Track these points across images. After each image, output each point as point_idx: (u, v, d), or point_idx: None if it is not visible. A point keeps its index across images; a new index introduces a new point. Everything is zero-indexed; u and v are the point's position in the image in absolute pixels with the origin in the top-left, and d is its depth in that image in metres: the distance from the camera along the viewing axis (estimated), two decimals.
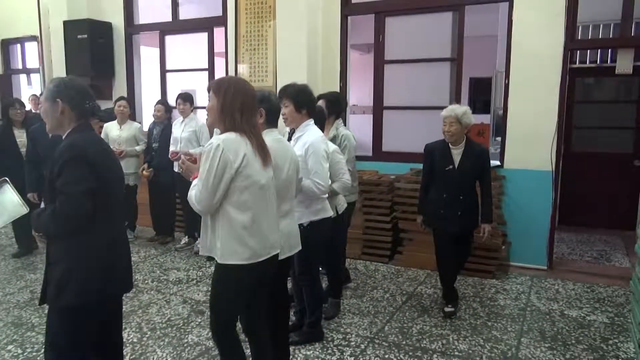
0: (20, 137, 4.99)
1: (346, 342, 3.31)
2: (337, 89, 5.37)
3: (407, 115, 5.39)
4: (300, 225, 2.79)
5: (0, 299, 4.02)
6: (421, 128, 5.06)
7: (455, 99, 4.96)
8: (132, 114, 6.77)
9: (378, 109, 5.47)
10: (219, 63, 6.22)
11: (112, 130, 5.49)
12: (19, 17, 7.56)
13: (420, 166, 4.17)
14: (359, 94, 7.86)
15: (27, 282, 4.39)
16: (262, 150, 2.21)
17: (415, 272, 4.66)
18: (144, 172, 5.37)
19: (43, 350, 2.30)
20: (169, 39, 6.67)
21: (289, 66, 5.29)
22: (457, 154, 3.57)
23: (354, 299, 4.04)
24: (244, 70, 5.79)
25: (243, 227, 2.13)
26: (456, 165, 3.56)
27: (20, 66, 8.12)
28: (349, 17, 5.49)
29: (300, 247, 2.71)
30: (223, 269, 2.19)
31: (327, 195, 3.06)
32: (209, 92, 2.23)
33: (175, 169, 4.93)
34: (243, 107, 2.16)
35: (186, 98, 5.16)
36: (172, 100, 5.68)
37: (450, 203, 3.58)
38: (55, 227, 2.01)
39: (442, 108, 3.65)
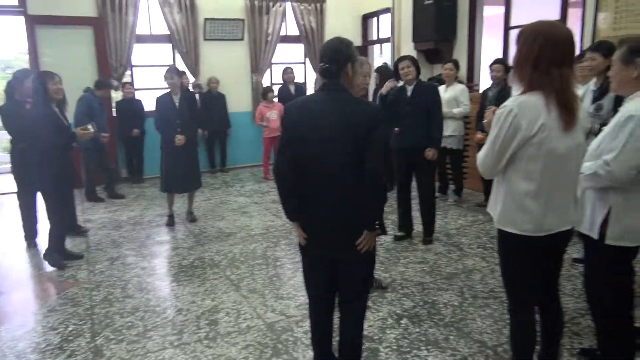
0: None
1: None
2: None
3: None
4: None
5: None
6: None
7: None
8: (471, 77, 6.72)
9: None
10: (574, 14, 5.39)
11: (440, 93, 5.54)
12: None
13: None
14: None
15: None
16: (566, 112, 1.82)
17: None
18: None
19: None
20: None
21: None
22: None
23: None
24: (605, 17, 4.83)
25: (525, 196, 1.93)
26: None
27: (375, 37, 9.09)
28: None
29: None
30: (501, 234, 2.06)
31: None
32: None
33: None
34: (539, 58, 1.81)
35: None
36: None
37: None
38: None
39: None
